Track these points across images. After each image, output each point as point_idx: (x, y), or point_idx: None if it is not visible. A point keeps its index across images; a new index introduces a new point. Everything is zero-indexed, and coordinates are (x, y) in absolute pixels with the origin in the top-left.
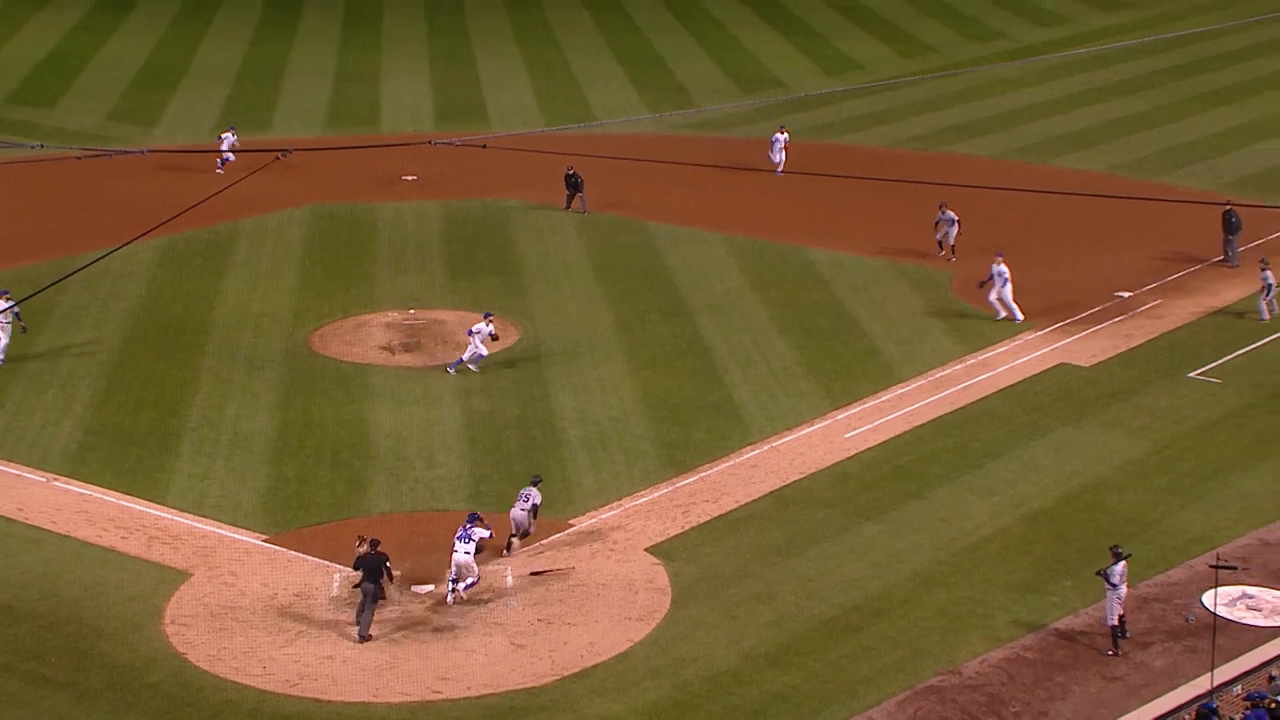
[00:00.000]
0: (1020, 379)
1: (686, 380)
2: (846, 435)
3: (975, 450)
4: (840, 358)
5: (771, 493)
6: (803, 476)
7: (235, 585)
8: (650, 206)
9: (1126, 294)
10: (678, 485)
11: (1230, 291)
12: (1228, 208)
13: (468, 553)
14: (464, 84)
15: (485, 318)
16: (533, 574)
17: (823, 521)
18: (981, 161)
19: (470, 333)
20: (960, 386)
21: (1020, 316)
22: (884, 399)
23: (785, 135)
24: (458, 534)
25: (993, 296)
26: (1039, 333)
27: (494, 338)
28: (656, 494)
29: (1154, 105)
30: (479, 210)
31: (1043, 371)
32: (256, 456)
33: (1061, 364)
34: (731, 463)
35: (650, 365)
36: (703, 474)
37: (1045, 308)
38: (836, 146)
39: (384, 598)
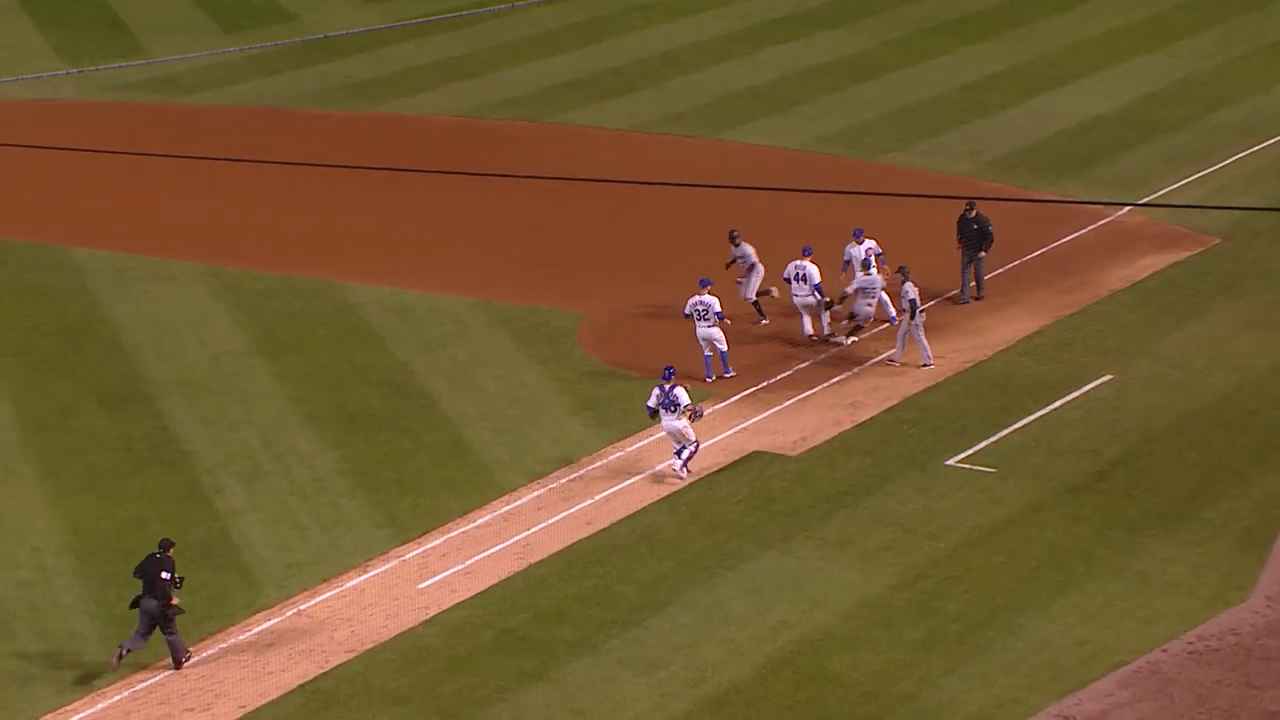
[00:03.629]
0: (690, 480)
1: (150, 507)
2: (420, 586)
3: (627, 598)
4: (408, 460)
5: (299, 688)
6: (350, 658)
7: None
8: (72, 220)
9: (846, 340)
10: (129, 694)
11: (999, 329)
12: (970, 207)
13: (679, 418)
14: None
15: None
16: None
17: None
18: (616, 136)
19: None
20: (600, 497)
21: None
22: (480, 523)
23: None
24: (658, 400)
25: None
26: (715, 405)
27: None
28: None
29: (879, 41)
30: None
31: (726, 467)
32: None
33: (755, 453)
34: (230, 642)
35: (85, 487)
36: (170, 674)
37: (736, 364)
38: (383, 117)
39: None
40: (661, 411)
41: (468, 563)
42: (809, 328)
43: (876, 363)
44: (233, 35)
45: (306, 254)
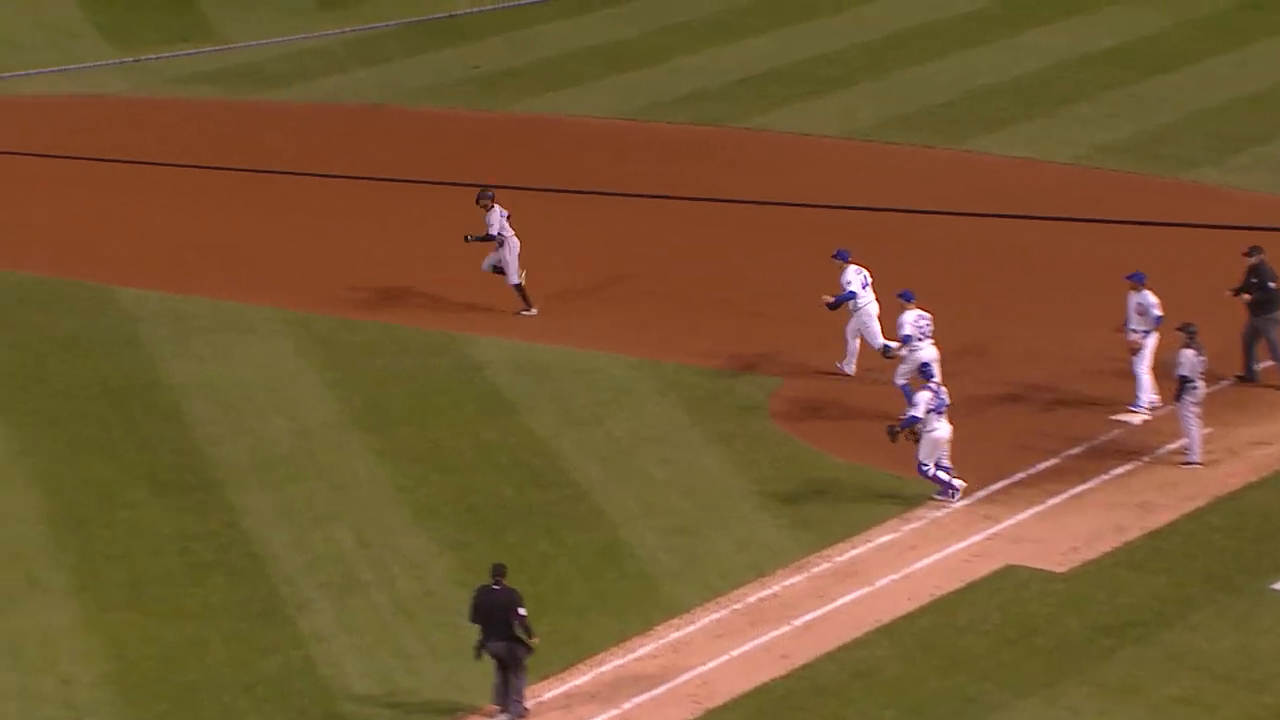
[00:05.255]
0: (924, 603)
1: (212, 626)
2: None
3: None
4: (546, 568)
5: None
6: None
7: None
8: (121, 252)
9: (1137, 416)
10: None
11: None
12: (1256, 250)
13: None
14: None
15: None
16: None
17: None
18: (826, 145)
19: None
20: (800, 621)
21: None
22: (641, 653)
23: None
24: (932, 405)
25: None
26: (952, 503)
27: None
28: None
29: (1181, 19)
30: None
31: (969, 585)
32: None
33: (1009, 567)
34: None
35: (131, 600)
36: None
37: (968, 451)
38: (522, 119)
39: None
40: (933, 417)
41: (624, 707)
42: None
43: (1172, 451)
44: (331, 14)
45: (419, 298)
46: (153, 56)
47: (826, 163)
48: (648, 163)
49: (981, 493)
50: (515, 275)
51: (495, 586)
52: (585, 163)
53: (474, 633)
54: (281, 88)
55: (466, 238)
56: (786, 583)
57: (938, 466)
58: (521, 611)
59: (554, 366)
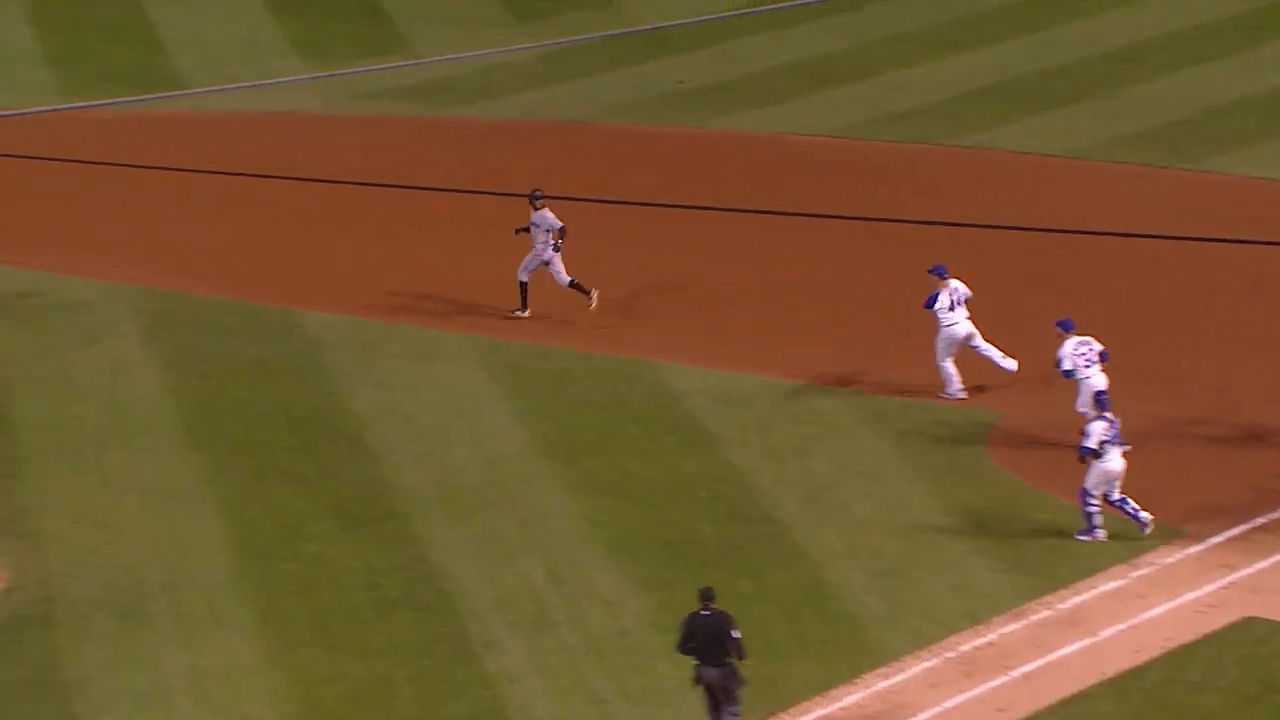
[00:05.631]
0: (1153, 655)
1: (399, 665)
2: None
3: None
4: (748, 609)
5: None
6: None
7: None
8: (304, 275)
9: None
10: None
11: None
12: None
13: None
14: None
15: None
16: None
17: None
18: (1051, 164)
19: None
20: (1019, 673)
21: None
22: (846, 702)
23: None
24: (1106, 435)
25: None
26: (1186, 547)
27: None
28: None
29: None
30: None
31: (1202, 638)
32: None
33: (1248, 619)
34: None
35: (316, 637)
36: None
37: (1204, 492)
38: (725, 135)
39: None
40: (1109, 449)
41: None
42: None
43: None
44: (528, 26)
45: (614, 324)
46: (345, 71)
47: (1050, 184)
48: (856, 182)
49: (1218, 538)
50: (525, 274)
51: (705, 612)
52: (789, 182)
53: (672, 672)
54: (474, 103)
55: (517, 231)
56: (1003, 630)
57: (1118, 502)
58: (735, 634)
59: (756, 396)
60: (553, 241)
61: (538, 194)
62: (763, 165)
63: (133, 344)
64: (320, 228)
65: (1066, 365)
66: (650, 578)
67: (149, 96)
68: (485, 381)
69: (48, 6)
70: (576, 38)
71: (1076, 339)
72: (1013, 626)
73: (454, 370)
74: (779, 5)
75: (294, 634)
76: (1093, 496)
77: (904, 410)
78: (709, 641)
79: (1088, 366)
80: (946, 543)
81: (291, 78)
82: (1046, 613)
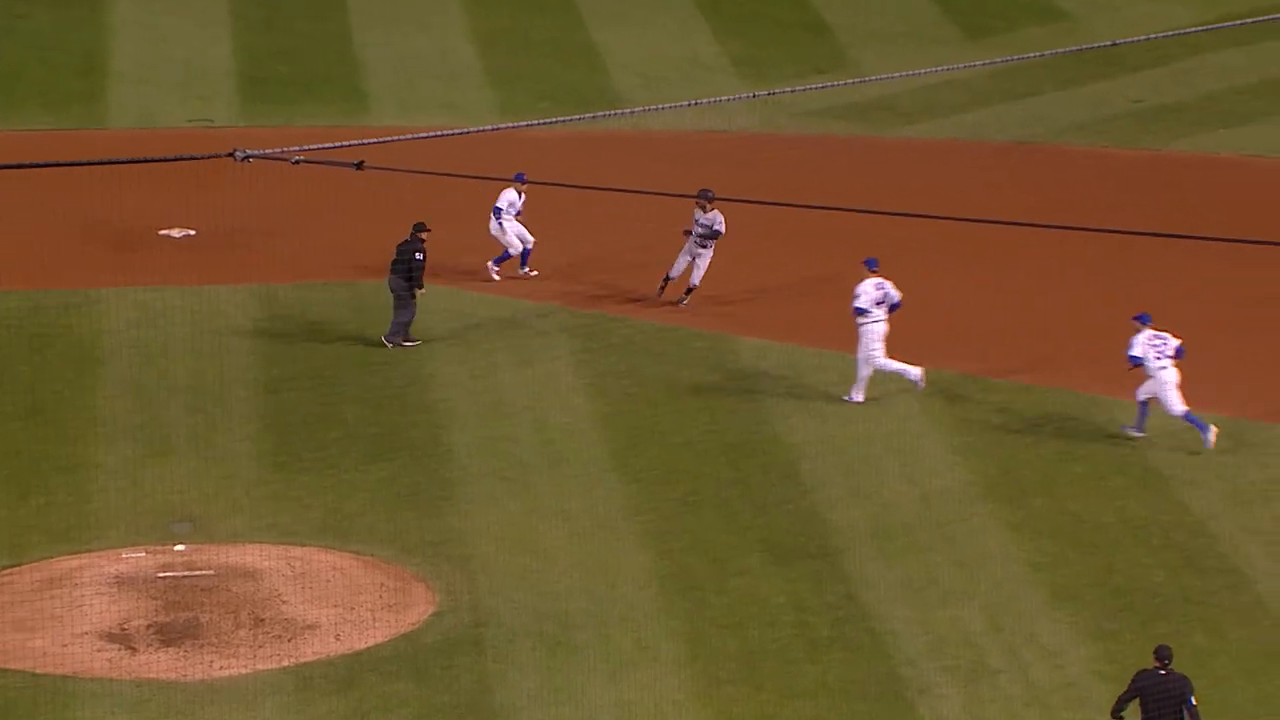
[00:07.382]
0: None
1: (829, 707)
2: None
3: None
4: (1204, 665)
5: None
6: None
7: None
8: (747, 300)
9: None
10: None
11: None
12: None
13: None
14: (303, 31)
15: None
16: None
17: None
18: None
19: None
20: None
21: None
22: None
23: None
24: (1153, 354)
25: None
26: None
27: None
28: None
29: None
30: (335, 307)
31: None
32: None
33: None
34: None
35: (744, 674)
36: None
37: None
38: (1184, 158)
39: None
40: (1150, 363)
41: None
42: None
43: None
44: (978, 43)
45: (1063, 355)
46: (784, 90)
47: None
48: None
49: None
50: (692, 274)
51: (1162, 671)
52: (1251, 208)
53: None
54: (916, 123)
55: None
56: None
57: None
58: (1193, 701)
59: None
60: (700, 240)
61: (708, 194)
62: (1220, 189)
63: (564, 366)
64: (762, 246)
65: (1137, 352)
66: (1097, 628)
67: (584, 116)
68: (922, 414)
69: (490, 24)
70: (1030, 55)
71: (1150, 332)
72: None
73: (891, 401)
74: (1245, 20)
75: (721, 671)
76: None
77: None
78: (1163, 704)
79: (1159, 358)
80: None
81: (729, 97)
82: None
